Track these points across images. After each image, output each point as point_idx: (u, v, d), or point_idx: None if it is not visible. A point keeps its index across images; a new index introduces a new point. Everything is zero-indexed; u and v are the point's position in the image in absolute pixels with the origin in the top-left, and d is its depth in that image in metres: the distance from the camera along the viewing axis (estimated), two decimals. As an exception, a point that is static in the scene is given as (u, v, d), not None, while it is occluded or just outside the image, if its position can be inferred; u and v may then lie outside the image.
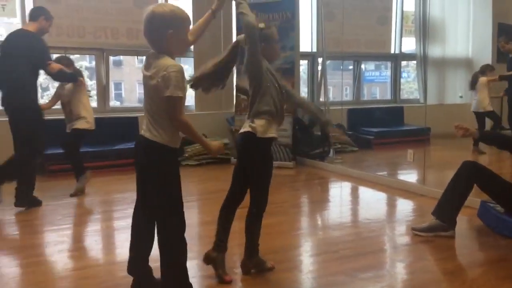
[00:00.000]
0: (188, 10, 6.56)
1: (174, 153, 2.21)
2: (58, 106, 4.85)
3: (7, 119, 4.16)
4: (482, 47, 7.22)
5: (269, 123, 2.52)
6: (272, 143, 2.62)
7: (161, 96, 2.05)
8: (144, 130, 2.18)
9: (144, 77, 2.14)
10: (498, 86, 6.35)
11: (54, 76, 4.29)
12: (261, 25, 2.60)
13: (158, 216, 2.22)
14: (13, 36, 4.19)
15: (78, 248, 3.12)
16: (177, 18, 2.09)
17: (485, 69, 6.41)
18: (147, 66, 2.14)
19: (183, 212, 2.24)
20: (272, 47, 2.60)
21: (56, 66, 4.20)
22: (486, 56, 7.08)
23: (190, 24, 2.19)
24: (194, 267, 2.82)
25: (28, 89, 4.06)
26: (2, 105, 4.14)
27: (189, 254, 2.89)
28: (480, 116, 6.35)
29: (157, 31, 2.08)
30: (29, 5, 5.82)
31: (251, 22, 2.49)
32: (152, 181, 2.18)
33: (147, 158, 2.17)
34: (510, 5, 6.62)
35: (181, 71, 2.06)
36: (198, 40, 2.53)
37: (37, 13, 4.24)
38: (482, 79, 6.36)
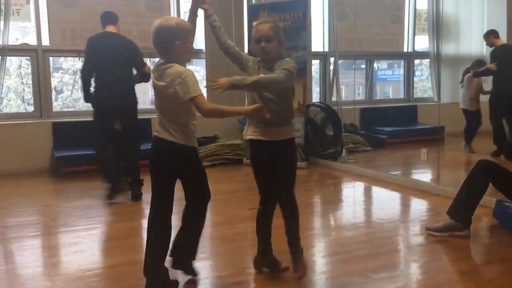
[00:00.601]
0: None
1: (197, 151, 2.45)
2: (71, 108, 4.90)
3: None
4: (497, 45, 7.11)
5: (248, 125, 2.55)
6: (255, 143, 2.52)
7: (183, 100, 2.22)
8: (166, 134, 2.31)
9: (158, 86, 2.29)
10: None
11: (146, 77, 4.48)
12: (254, 23, 2.62)
13: (198, 207, 2.53)
14: (109, 38, 4.34)
15: (92, 249, 3.15)
16: (182, 29, 2.28)
17: (474, 65, 6.23)
18: (158, 77, 2.29)
19: None
20: (253, 47, 2.54)
21: (148, 68, 4.45)
22: (501, 54, 6.97)
23: (193, 34, 2.42)
24: (207, 267, 2.83)
25: (133, 90, 4.37)
26: (110, 104, 4.22)
27: (201, 255, 2.91)
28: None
29: (166, 42, 2.27)
30: (43, 10, 5.90)
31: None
32: (190, 179, 2.45)
33: (178, 160, 2.35)
34: (526, 2, 6.53)
35: (193, 74, 2.26)
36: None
37: (115, 17, 4.47)
38: (466, 76, 6.24)
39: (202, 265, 2.83)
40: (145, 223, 3.63)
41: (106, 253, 3.12)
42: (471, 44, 7.66)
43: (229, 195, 4.63)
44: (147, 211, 3.92)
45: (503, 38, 6.77)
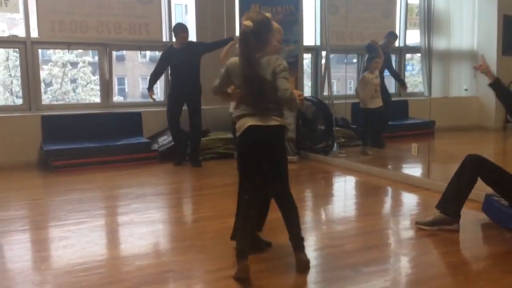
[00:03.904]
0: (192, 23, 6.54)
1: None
2: (60, 101, 4.86)
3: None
4: (488, 40, 7.16)
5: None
6: None
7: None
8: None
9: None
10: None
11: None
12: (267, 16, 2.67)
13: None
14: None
15: (82, 243, 3.13)
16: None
17: (369, 62, 6.23)
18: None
19: None
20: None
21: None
22: (491, 49, 7.02)
23: (278, 33, 2.63)
24: (200, 261, 2.82)
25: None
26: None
27: (194, 249, 2.92)
28: None
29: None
30: (32, 1, 5.83)
31: None
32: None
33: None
34: (516, -3, 6.58)
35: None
36: None
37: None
38: (364, 74, 6.17)
39: (195, 259, 2.82)
40: (134, 217, 3.65)
41: (95, 247, 3.10)
42: (462, 39, 7.70)
43: (220, 189, 4.62)
44: (135, 206, 3.97)
45: (494, 33, 6.85)
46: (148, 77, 5.85)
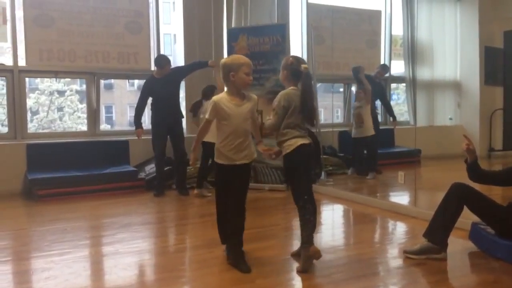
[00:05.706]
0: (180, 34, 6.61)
1: (221, 166, 3.17)
2: (46, 130, 4.82)
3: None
4: (470, 70, 7.34)
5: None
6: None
7: None
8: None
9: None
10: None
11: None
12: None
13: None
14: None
15: (65, 274, 3.05)
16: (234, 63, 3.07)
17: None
18: None
19: None
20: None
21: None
22: (474, 79, 7.19)
23: (246, 66, 3.11)
24: (184, 293, 2.76)
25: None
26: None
27: (180, 279, 2.86)
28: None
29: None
30: (20, 30, 5.85)
31: None
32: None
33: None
34: (496, 29, 6.77)
35: (212, 101, 3.08)
36: None
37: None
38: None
39: (179, 290, 2.77)
40: (119, 247, 3.59)
41: (79, 279, 3.03)
42: (445, 69, 7.87)
43: (208, 218, 4.57)
44: (120, 236, 3.91)
45: (476, 63, 7.03)
46: (134, 113, 5.71)
